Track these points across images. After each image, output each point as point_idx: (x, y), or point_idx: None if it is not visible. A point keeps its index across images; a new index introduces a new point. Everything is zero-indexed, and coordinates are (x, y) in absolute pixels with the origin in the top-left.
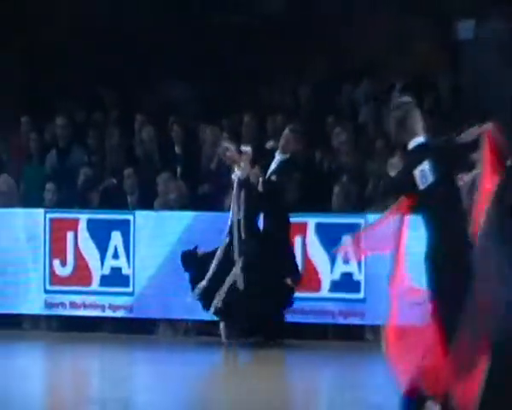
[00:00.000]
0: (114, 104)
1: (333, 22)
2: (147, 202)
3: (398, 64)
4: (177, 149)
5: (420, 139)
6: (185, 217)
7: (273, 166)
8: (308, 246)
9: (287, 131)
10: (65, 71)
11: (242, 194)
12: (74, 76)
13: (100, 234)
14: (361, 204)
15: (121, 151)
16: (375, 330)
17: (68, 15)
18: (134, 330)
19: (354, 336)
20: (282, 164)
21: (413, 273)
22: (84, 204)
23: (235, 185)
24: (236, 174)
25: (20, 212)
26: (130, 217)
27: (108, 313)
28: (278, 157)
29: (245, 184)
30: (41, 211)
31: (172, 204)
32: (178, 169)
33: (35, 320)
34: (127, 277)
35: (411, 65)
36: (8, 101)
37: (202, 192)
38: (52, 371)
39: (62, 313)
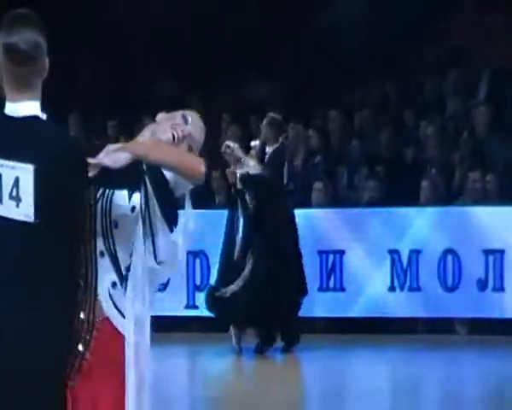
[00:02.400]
0: (198, 105)
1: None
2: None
3: (485, 55)
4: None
5: None
6: None
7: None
8: None
9: (264, 121)
10: (149, 73)
11: (249, 191)
12: (159, 78)
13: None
14: (448, 197)
15: (205, 152)
16: None
17: (149, 15)
18: None
19: None
20: (270, 156)
21: None
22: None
23: (239, 183)
24: (245, 171)
25: None
26: None
27: None
28: (268, 149)
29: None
30: None
31: None
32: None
33: None
34: None
35: (498, 56)
36: (95, 104)
37: (287, 190)
38: None
39: None
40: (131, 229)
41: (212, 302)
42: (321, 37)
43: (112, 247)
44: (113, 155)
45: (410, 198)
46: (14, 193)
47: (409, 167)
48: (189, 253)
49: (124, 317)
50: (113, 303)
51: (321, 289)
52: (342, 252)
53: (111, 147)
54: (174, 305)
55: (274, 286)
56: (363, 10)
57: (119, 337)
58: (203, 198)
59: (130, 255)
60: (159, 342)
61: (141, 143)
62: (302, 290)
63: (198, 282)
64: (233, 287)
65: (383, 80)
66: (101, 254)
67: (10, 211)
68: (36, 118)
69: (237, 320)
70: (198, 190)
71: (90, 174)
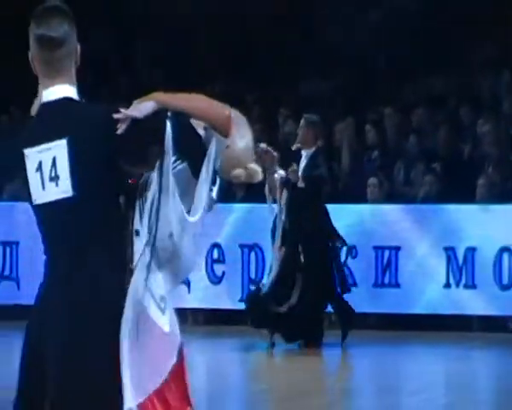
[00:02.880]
0: (255, 100)
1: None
2: None
3: None
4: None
5: None
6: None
7: (302, 163)
8: None
9: (301, 123)
10: (205, 69)
11: (285, 194)
12: (214, 74)
13: None
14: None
15: None
16: None
17: (203, 11)
18: None
19: None
20: (309, 160)
21: None
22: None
23: (278, 186)
24: (279, 174)
25: None
26: None
27: None
28: (304, 153)
29: (287, 183)
30: None
31: None
32: None
33: None
34: None
35: None
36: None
37: (342, 186)
38: None
39: None
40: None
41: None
42: (377, 33)
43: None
44: (139, 106)
45: (466, 195)
46: (53, 173)
47: (465, 164)
48: (243, 246)
49: (153, 299)
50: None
51: (376, 285)
52: (398, 248)
53: (136, 101)
54: (229, 298)
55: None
56: (420, 6)
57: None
58: (259, 192)
59: (170, 236)
60: (214, 335)
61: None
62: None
63: (253, 275)
64: (291, 301)
65: (440, 77)
66: (137, 232)
67: (51, 194)
68: (69, 99)
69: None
70: (254, 185)
71: (119, 131)
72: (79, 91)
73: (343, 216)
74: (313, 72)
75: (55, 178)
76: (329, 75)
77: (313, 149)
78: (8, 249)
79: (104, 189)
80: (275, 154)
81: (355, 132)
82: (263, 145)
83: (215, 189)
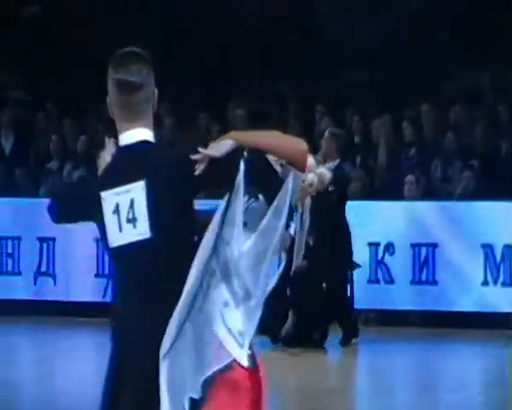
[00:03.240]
0: (292, 95)
1: None
2: None
3: None
4: (356, 139)
5: None
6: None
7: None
8: None
9: (325, 135)
10: (241, 65)
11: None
12: (251, 70)
13: None
14: None
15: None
16: None
17: (239, 16)
18: None
19: None
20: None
21: None
22: None
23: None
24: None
25: None
26: None
27: None
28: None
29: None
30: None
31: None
32: (358, 159)
33: None
34: None
35: None
36: (187, 96)
37: (378, 183)
38: None
39: None
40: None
41: None
42: (415, 29)
43: (226, 264)
44: (217, 146)
45: (503, 192)
46: (131, 215)
47: (503, 161)
48: None
49: (231, 334)
50: (223, 321)
51: (413, 282)
52: (435, 245)
53: (212, 143)
54: None
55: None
56: (458, 2)
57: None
58: None
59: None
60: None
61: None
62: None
63: None
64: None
65: (478, 74)
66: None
67: (129, 236)
68: (146, 142)
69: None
70: None
71: (197, 172)
72: None
73: (380, 213)
74: (351, 68)
75: (132, 220)
76: (367, 72)
77: (337, 161)
78: (44, 245)
79: (180, 229)
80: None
81: (392, 129)
82: None
83: (293, 224)
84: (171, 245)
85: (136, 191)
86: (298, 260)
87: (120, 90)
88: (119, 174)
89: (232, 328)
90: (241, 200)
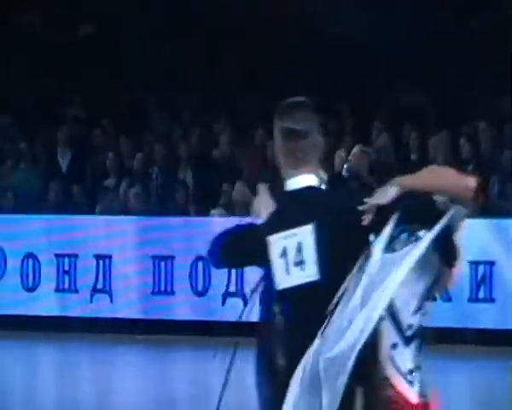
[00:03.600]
0: (350, 113)
1: None
2: None
3: None
4: (413, 157)
5: None
6: None
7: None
8: None
9: (356, 150)
10: (296, 81)
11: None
12: (306, 87)
13: None
14: None
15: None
16: None
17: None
18: None
19: None
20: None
21: None
22: None
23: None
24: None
25: None
26: None
27: None
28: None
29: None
30: None
31: None
32: None
33: None
34: None
35: None
36: (245, 114)
37: None
38: None
39: None
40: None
41: None
42: (471, 46)
43: (392, 308)
44: (382, 194)
45: None
46: (298, 258)
47: None
48: None
49: (400, 374)
50: (393, 363)
51: (470, 299)
52: (492, 263)
53: (379, 190)
54: None
55: None
56: None
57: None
58: None
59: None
60: None
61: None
62: None
63: None
64: None
65: None
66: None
67: (297, 278)
68: (312, 187)
69: None
70: None
71: (365, 222)
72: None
73: None
74: (409, 85)
75: (299, 263)
76: (424, 89)
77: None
78: (101, 263)
79: (345, 271)
80: None
81: (449, 146)
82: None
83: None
84: (337, 286)
85: (304, 235)
86: None
87: (286, 138)
88: (286, 219)
89: (401, 367)
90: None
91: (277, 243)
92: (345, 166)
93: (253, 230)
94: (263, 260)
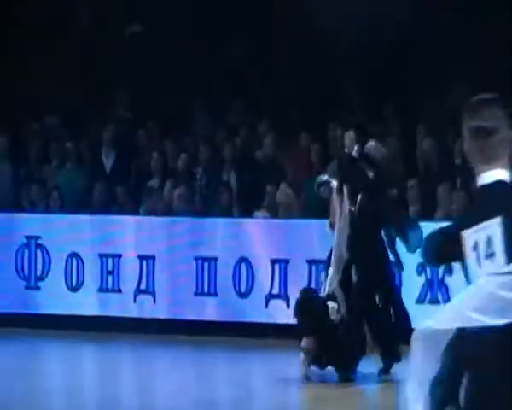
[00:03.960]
0: (395, 116)
1: None
2: (428, 213)
3: None
4: (457, 161)
5: None
6: None
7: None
8: None
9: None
10: (341, 84)
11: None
12: (348, 88)
13: None
14: None
15: (401, 162)
16: None
17: (339, 30)
18: None
19: None
20: None
21: None
22: None
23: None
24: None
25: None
26: None
27: None
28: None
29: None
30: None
31: (454, 214)
32: (458, 180)
33: None
34: None
35: None
36: (288, 116)
37: None
38: None
39: None
40: None
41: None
42: None
43: None
44: None
45: None
46: (488, 251)
47: None
48: None
49: None
50: None
51: None
52: None
53: None
54: None
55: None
56: None
57: None
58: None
59: None
60: None
61: None
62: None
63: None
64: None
65: None
66: None
67: (487, 271)
68: (502, 182)
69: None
70: None
71: None
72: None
73: None
74: (454, 89)
75: (489, 256)
76: (470, 93)
77: None
78: (144, 263)
79: None
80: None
81: None
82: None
83: None
84: None
85: (493, 228)
86: None
87: (475, 136)
88: (478, 213)
89: None
90: None
91: (470, 237)
92: None
93: (452, 226)
94: (459, 256)
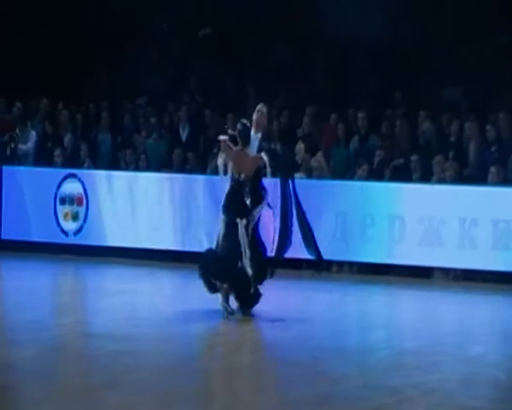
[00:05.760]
0: (402, 102)
1: None
2: (426, 179)
3: None
4: (452, 138)
5: None
6: (458, 191)
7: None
8: None
9: (260, 107)
10: (361, 72)
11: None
12: (368, 76)
13: None
14: None
15: (407, 139)
16: None
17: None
18: None
19: None
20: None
21: None
22: (379, 178)
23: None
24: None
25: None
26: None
27: None
28: (255, 135)
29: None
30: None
31: (446, 180)
32: (450, 154)
33: None
34: None
35: None
36: (321, 101)
37: (466, 174)
38: None
39: None
40: None
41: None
42: (500, 55)
43: None
44: None
45: None
46: None
47: None
48: None
49: None
50: None
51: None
52: None
53: None
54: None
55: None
56: None
57: None
58: None
59: None
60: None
61: None
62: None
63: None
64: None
65: None
66: None
67: None
68: None
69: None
70: None
71: None
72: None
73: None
74: (450, 83)
75: None
76: (460, 89)
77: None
78: None
79: None
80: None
81: (478, 131)
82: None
83: None
84: None
85: None
86: None
87: None
88: None
89: None
90: None
91: None
92: None
93: None
94: None
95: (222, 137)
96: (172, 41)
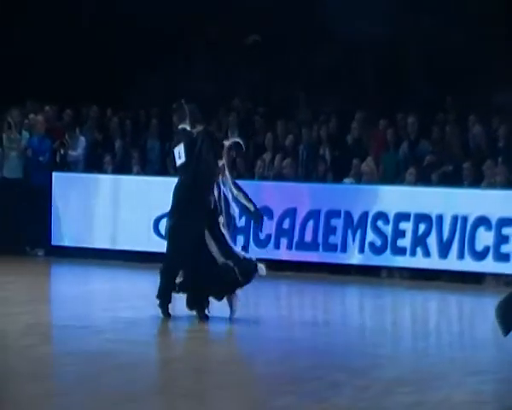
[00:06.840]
0: (453, 107)
1: None
2: (476, 183)
3: None
4: (501, 143)
5: None
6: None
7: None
8: None
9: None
10: (411, 76)
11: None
12: (418, 80)
13: None
14: None
15: (458, 144)
16: None
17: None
18: None
19: None
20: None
21: None
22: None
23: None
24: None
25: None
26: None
27: None
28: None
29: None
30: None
31: (498, 185)
32: (500, 158)
33: None
34: None
35: None
36: (371, 106)
37: None
38: None
39: None
40: None
41: None
42: None
43: None
44: None
45: None
46: None
47: None
48: None
49: None
50: None
51: None
52: None
53: None
54: None
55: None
56: None
57: None
58: None
59: None
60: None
61: None
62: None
63: None
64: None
65: None
66: None
67: None
68: None
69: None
70: None
71: None
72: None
73: None
74: (502, 85)
75: None
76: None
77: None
78: None
79: None
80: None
81: None
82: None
83: None
84: None
85: None
86: None
87: None
88: None
89: None
90: None
91: None
92: None
93: None
94: None
95: (227, 143)
96: (222, 47)
